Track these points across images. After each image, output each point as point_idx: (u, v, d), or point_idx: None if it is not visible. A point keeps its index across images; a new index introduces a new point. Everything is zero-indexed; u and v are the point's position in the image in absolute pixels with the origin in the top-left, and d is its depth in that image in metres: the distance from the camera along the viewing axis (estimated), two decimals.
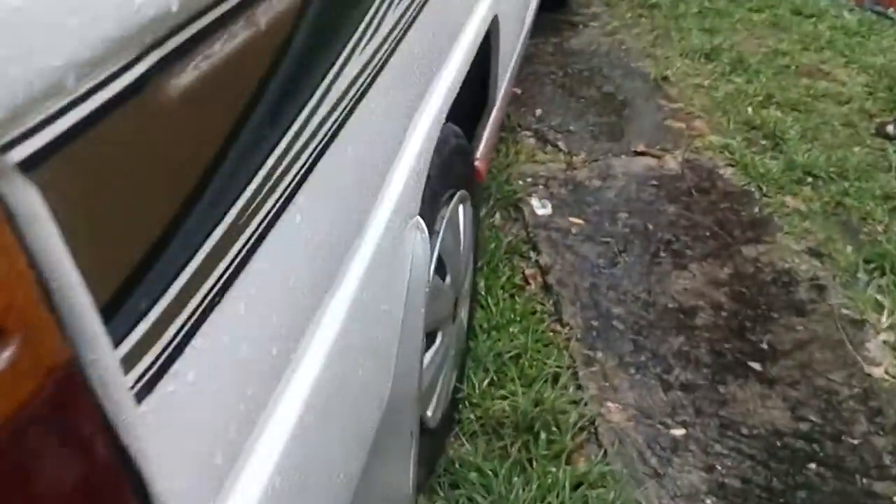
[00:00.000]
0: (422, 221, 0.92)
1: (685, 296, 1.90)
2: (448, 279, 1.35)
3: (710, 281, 1.94)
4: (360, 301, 0.68)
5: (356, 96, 0.59)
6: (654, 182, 2.33)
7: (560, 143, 2.57)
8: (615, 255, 2.03)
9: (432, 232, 1.24)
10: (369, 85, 0.62)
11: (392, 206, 0.74)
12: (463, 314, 1.61)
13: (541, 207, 2.21)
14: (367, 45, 0.60)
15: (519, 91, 2.92)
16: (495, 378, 1.67)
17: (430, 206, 1.20)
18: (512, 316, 1.83)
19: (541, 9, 3.40)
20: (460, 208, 1.44)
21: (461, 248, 1.44)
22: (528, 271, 1.99)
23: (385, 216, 0.72)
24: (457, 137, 1.36)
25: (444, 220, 1.29)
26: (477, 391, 1.63)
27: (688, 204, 2.22)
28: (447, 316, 1.37)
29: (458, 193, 1.39)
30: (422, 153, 0.85)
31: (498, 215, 2.20)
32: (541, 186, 2.32)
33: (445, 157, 1.27)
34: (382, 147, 0.71)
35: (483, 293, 1.89)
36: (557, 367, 1.70)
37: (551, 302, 1.88)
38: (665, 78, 2.93)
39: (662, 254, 2.03)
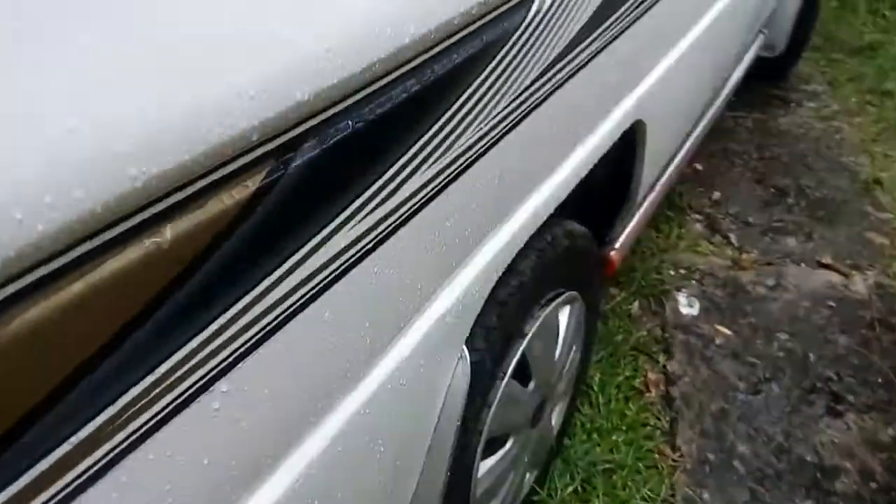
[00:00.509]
0: (466, 350, 0.86)
1: (830, 451, 1.63)
2: (532, 385, 1.27)
3: (866, 439, 1.65)
4: (346, 445, 0.64)
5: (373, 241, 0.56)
6: (832, 303, 2.03)
7: (732, 236, 2.34)
8: (759, 382, 1.79)
9: (520, 335, 1.17)
10: (390, 233, 0.59)
11: (414, 347, 0.69)
12: (555, 416, 1.51)
13: (687, 306, 2.03)
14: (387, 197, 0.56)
15: (699, 167, 2.71)
16: (580, 489, 1.55)
17: (518, 312, 1.13)
18: (619, 423, 1.69)
19: (752, 77, 3.14)
20: (566, 309, 1.35)
21: (557, 351, 1.34)
22: (651, 375, 1.82)
23: (397, 360, 0.67)
24: (572, 238, 1.28)
25: (538, 324, 1.21)
26: (556, 497, 1.52)
27: (866, 339, 1.91)
28: (524, 422, 1.28)
29: (565, 295, 1.31)
30: (473, 285, 0.79)
31: (636, 304, 2.05)
32: (694, 281, 2.13)
33: (550, 258, 1.20)
34: (405, 291, 0.67)
35: (595, 388, 1.76)
36: (653, 496, 1.53)
37: (668, 418, 1.71)
38: (878, 181, 2.56)
39: (817, 393, 1.76)
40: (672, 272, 2.16)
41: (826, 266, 2.19)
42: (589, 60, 0.92)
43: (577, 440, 1.65)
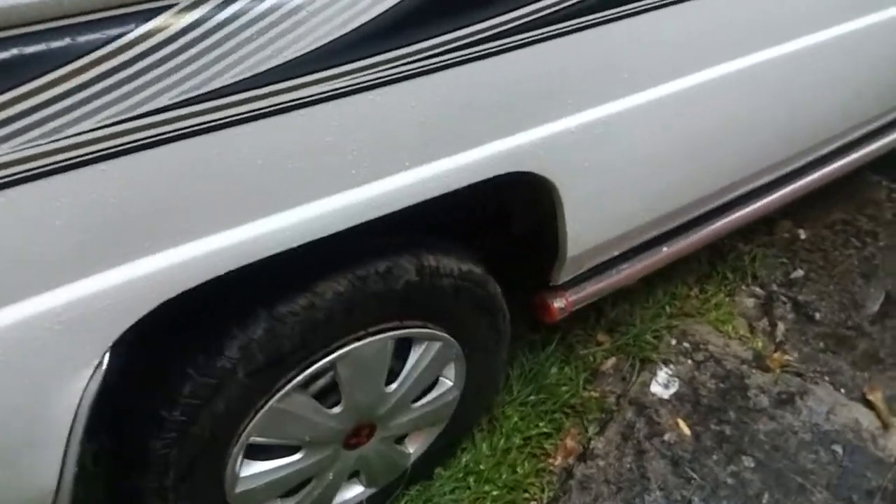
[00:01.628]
0: (105, 360, 0.82)
1: None
2: (341, 407, 1.20)
3: None
4: None
5: None
6: (840, 449, 1.68)
7: (780, 326, 1.99)
8: (679, 501, 1.55)
9: (308, 356, 1.10)
10: None
11: None
12: (412, 444, 1.44)
13: (661, 385, 1.78)
14: None
15: (802, 235, 2.30)
16: None
17: (306, 333, 1.06)
18: (502, 476, 1.57)
19: None
20: (422, 346, 1.25)
21: (396, 385, 1.26)
22: (569, 442, 1.65)
23: None
24: (430, 275, 1.16)
25: (347, 350, 1.13)
26: None
27: None
28: (323, 439, 1.23)
29: (413, 331, 1.21)
30: (99, 303, 0.74)
31: (611, 361, 1.84)
32: (690, 361, 1.86)
33: (378, 289, 1.11)
34: None
35: (503, 431, 1.63)
36: None
37: (551, 495, 1.55)
38: None
39: None
40: (674, 341, 1.90)
41: (869, 404, 1.79)
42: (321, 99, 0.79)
43: (452, 476, 1.56)
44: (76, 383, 0.82)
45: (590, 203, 1.24)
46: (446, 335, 1.28)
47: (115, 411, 1.09)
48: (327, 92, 0.76)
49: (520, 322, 1.55)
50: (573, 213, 1.23)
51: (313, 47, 0.72)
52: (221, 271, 0.84)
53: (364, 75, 0.78)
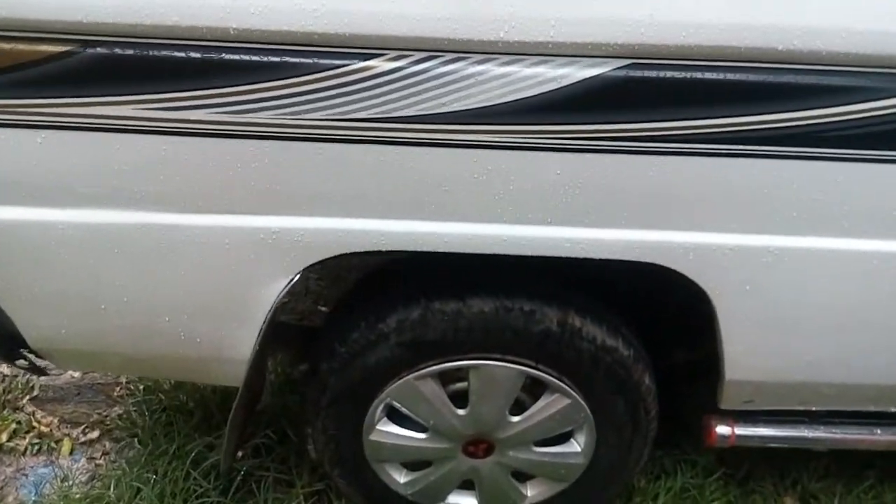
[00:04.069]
0: (296, 277, 1.17)
1: None
2: (465, 411, 1.41)
3: None
4: None
5: None
6: None
7: None
8: None
9: (443, 356, 1.34)
10: None
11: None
12: (530, 488, 1.58)
13: None
14: None
15: None
16: None
17: (446, 338, 1.31)
18: None
19: None
20: (553, 396, 1.38)
21: (518, 419, 1.43)
22: None
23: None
24: (569, 334, 1.31)
25: (484, 366, 1.34)
26: None
27: None
28: (444, 431, 1.45)
29: (543, 375, 1.36)
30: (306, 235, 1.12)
31: None
32: None
33: (517, 326, 1.30)
34: None
35: None
36: None
37: None
38: None
39: None
40: None
41: None
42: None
43: None
44: (273, 287, 1.19)
45: (751, 329, 1.25)
46: (577, 397, 1.39)
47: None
48: (489, 141, 1.02)
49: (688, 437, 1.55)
50: (730, 331, 1.25)
51: (474, 106, 0.98)
52: (359, 249, 1.14)
53: (510, 137, 1.01)
